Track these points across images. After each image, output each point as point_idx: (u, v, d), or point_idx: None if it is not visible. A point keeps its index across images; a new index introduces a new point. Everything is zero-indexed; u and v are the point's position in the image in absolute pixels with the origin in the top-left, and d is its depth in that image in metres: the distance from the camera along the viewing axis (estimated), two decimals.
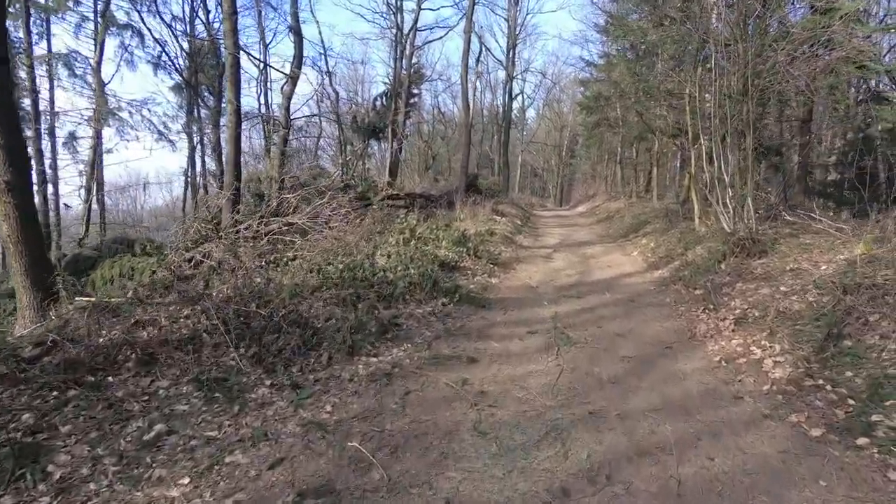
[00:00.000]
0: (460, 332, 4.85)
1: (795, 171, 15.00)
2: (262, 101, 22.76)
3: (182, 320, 4.17)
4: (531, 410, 3.29)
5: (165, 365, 3.55)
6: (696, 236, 9.22)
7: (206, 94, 24.94)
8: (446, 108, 48.93)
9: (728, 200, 7.46)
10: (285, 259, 5.46)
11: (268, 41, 22.30)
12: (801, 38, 8.48)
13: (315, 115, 18.33)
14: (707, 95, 10.95)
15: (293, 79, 14.11)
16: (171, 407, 3.05)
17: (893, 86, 14.79)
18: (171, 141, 20.50)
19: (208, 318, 3.97)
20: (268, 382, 3.42)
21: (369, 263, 5.73)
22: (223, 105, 29.03)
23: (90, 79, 19.00)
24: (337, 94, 21.86)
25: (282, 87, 14.23)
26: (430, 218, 12.36)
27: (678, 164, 24.93)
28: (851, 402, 3.31)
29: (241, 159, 15.90)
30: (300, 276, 5.37)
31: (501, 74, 31.24)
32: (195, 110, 23.31)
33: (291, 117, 14.83)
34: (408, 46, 29.48)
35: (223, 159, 15.86)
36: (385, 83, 32.43)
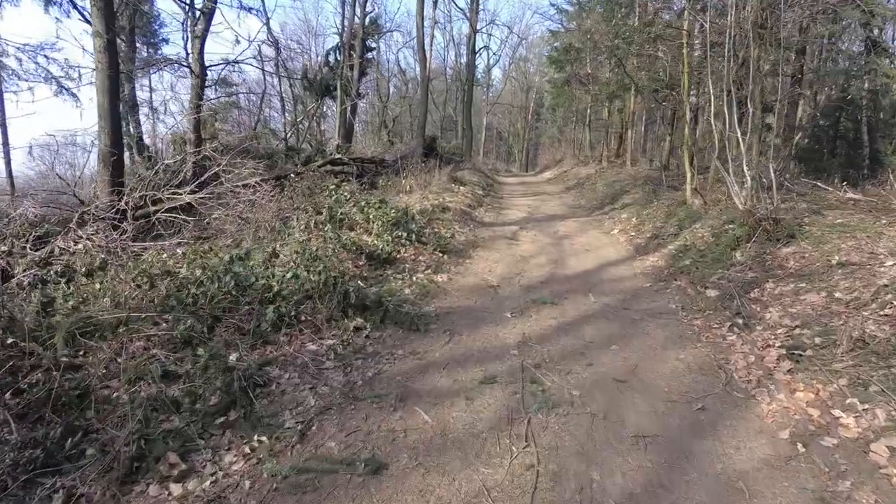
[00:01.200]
0: (370, 391, 2.95)
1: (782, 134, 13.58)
2: (190, 49, 19.42)
3: None
4: None
5: None
6: (690, 211, 7.55)
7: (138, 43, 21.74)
8: (408, 65, 45.73)
9: (745, 168, 5.71)
10: (83, 268, 3.36)
11: None
12: None
13: (239, 62, 15.41)
14: (697, 43, 9.12)
15: (206, 14, 11.35)
16: None
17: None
18: (74, 95, 17.16)
19: None
20: None
21: (243, 266, 3.69)
22: (160, 54, 25.42)
23: None
24: (276, 41, 18.84)
25: (193, 25, 11.40)
26: (373, 188, 10.27)
27: (643, 128, 23.44)
28: None
29: (126, 115, 13.11)
30: (124, 294, 3.30)
31: (465, 29, 28.51)
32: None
33: (208, 64, 12.10)
34: None
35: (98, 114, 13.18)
36: (338, 33, 29.09)
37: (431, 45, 16.32)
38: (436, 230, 6.62)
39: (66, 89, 16.73)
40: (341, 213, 5.70)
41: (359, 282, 4.18)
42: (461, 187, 11.19)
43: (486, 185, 14.11)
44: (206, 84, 20.97)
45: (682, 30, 8.08)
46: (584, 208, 11.33)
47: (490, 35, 34.56)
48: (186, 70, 17.18)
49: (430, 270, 5.26)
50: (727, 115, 6.13)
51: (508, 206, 11.36)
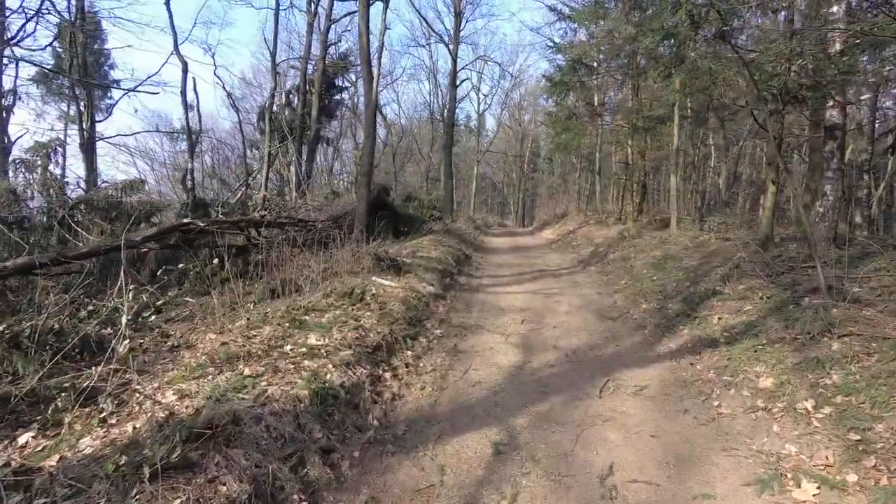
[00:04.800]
0: None
1: None
2: (77, 62, 14.31)
3: None
4: None
5: None
6: None
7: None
8: (389, 109, 41.67)
9: None
10: None
11: None
12: None
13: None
14: None
15: None
16: None
17: None
18: None
19: None
20: None
21: None
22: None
23: None
24: (185, 63, 13.94)
25: None
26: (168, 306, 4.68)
27: (643, 177, 18.38)
28: None
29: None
30: None
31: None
32: None
33: None
34: (322, 20, 22.10)
35: None
36: (295, 68, 24.57)
37: (380, 59, 11.28)
38: None
39: None
40: None
41: None
42: (392, 283, 5.59)
43: (452, 266, 8.51)
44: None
45: None
46: (633, 323, 5.65)
47: (481, 74, 30.39)
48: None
49: None
50: None
51: (481, 320, 5.66)
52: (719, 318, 4.98)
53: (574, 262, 10.82)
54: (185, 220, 7.02)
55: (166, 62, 14.82)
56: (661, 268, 7.75)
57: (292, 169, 21.67)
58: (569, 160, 32.07)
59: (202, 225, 7.09)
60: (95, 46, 29.10)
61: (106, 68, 30.97)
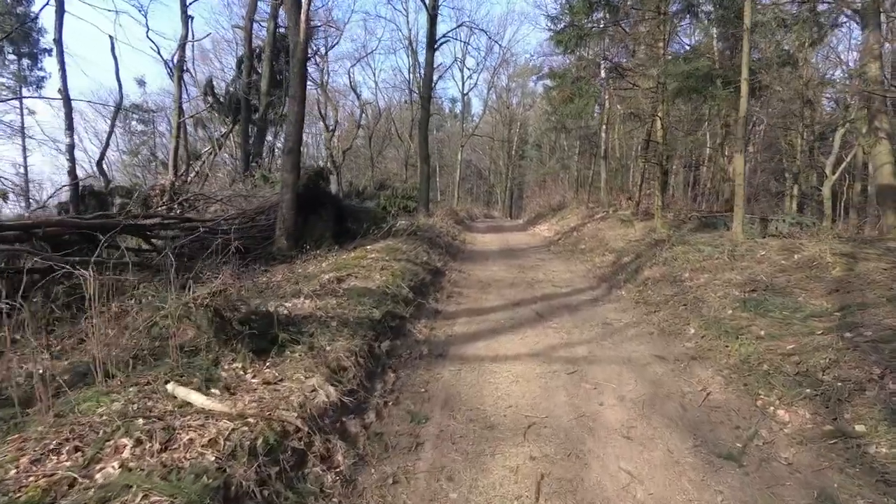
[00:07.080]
0: None
1: None
2: None
3: None
4: None
5: None
6: None
7: None
8: (364, 86, 37.77)
9: None
10: None
11: None
12: None
13: None
14: None
15: None
16: None
17: None
18: None
19: None
20: None
21: None
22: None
23: None
24: (60, 2, 10.14)
25: None
26: None
27: (665, 162, 15.16)
28: None
29: None
30: None
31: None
32: None
33: None
34: None
35: None
36: (239, 28, 20.55)
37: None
38: None
39: None
40: None
41: None
42: (221, 405, 2.18)
43: (403, 304, 5.00)
44: None
45: None
46: (794, 487, 2.37)
47: (466, 45, 26.75)
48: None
49: None
50: None
51: (440, 498, 2.34)
52: None
53: (592, 280, 7.52)
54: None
55: (47, 3, 10.85)
56: (762, 309, 4.46)
57: (174, 142, 17.57)
58: (560, 144, 28.71)
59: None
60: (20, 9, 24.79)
61: (35, 35, 26.72)
